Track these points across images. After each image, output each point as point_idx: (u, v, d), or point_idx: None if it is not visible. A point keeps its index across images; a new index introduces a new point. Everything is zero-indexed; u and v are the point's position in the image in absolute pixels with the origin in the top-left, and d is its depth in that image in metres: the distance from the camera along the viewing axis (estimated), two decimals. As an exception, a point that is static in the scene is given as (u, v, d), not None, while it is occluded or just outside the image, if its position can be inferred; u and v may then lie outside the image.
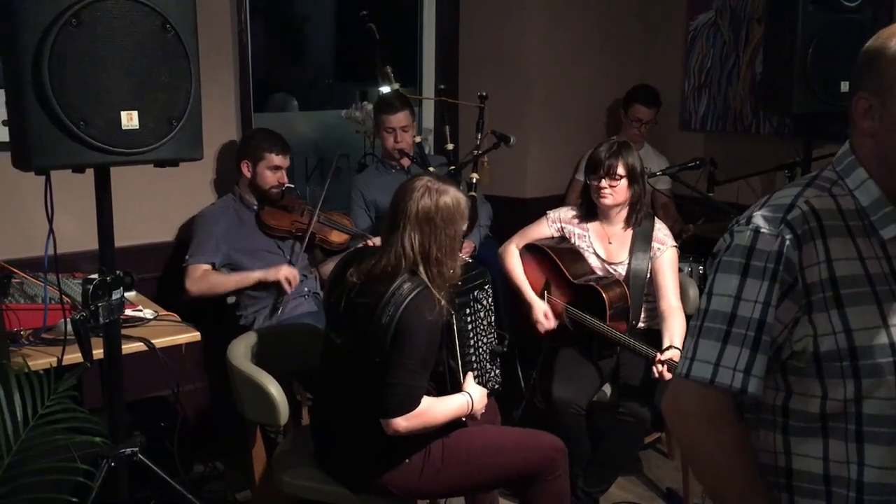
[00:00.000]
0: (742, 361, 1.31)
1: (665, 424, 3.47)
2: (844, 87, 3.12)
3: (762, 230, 1.33)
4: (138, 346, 2.47)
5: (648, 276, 3.06)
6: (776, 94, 3.19)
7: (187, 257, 3.21)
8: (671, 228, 4.05)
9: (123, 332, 2.32)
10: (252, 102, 3.69)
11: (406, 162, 3.65)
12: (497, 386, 2.63)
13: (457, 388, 2.40)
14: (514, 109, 4.22)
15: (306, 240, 3.32)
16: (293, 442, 2.61)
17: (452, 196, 2.25)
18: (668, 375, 2.71)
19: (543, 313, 3.12)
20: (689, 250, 3.88)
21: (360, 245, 3.31)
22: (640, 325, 3.10)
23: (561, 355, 3.09)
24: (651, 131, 4.28)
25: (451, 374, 2.37)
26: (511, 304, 3.34)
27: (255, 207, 3.36)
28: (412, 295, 2.15)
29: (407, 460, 2.30)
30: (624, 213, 3.11)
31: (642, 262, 3.05)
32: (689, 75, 4.36)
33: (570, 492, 2.54)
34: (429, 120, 4.47)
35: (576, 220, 3.19)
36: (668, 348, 2.78)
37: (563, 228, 3.21)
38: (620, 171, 3.00)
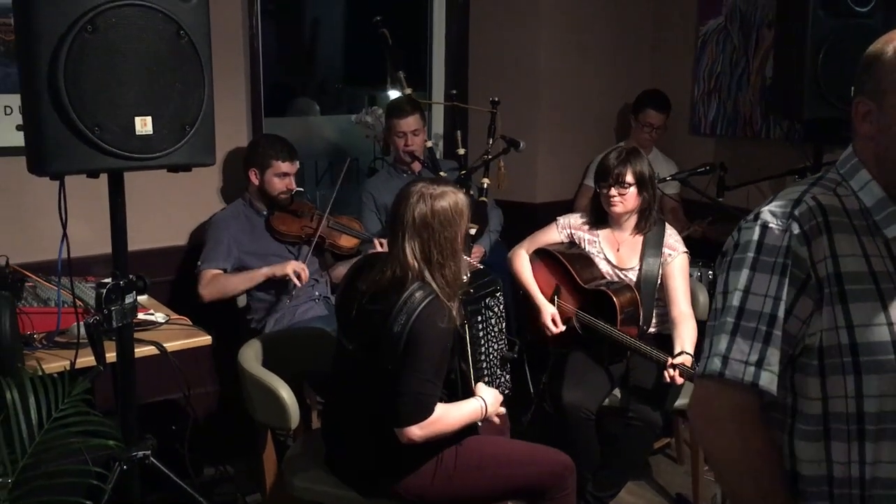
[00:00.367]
0: (754, 354, 1.31)
1: (673, 429, 3.49)
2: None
3: (770, 225, 1.34)
4: (150, 350, 2.49)
5: (659, 281, 3.06)
6: (786, 99, 3.19)
7: (199, 263, 3.23)
8: (680, 233, 4.07)
9: (135, 335, 2.33)
10: (263, 107, 3.70)
11: (417, 166, 3.66)
12: (507, 391, 2.64)
13: (468, 394, 2.40)
14: (524, 114, 4.23)
15: (314, 243, 3.33)
16: (304, 446, 2.62)
17: (449, 198, 2.25)
18: (679, 380, 2.71)
19: (551, 317, 3.12)
20: (699, 255, 3.88)
21: (371, 250, 3.33)
22: (651, 329, 3.10)
23: (571, 360, 3.09)
24: (660, 136, 4.28)
25: (464, 381, 2.37)
26: (520, 308, 3.34)
27: (265, 213, 3.38)
28: (424, 304, 2.16)
29: (419, 465, 2.31)
30: (634, 219, 3.11)
31: (653, 267, 3.05)
32: (698, 80, 4.36)
33: None
34: (439, 125, 4.48)
35: (586, 227, 3.19)
36: (679, 354, 2.78)
37: (572, 234, 3.21)
38: (629, 178, 3.00)
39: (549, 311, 3.13)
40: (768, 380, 1.31)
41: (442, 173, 3.51)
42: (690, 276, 3.52)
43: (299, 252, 3.40)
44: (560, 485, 2.42)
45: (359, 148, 4.57)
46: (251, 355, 2.63)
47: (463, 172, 3.45)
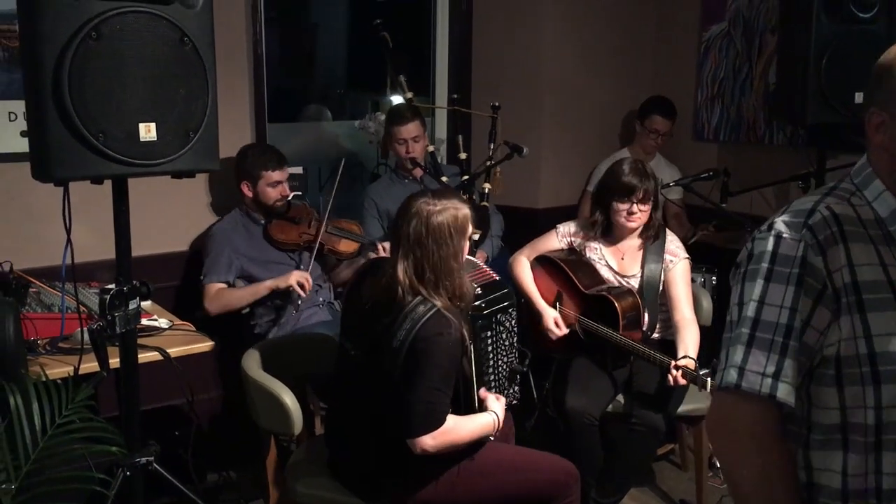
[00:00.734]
0: (770, 366, 1.30)
1: (677, 435, 3.48)
2: (858, 97, 3.12)
3: (784, 235, 1.33)
4: (153, 356, 2.49)
5: (661, 287, 3.05)
6: (790, 104, 3.19)
7: (202, 277, 3.23)
8: (682, 238, 4.06)
9: (139, 341, 2.34)
10: (266, 113, 3.71)
11: (418, 172, 3.66)
12: (515, 402, 2.63)
13: (470, 409, 2.39)
14: (527, 119, 4.23)
15: (315, 251, 3.32)
16: (307, 451, 2.62)
17: (447, 214, 2.23)
18: (682, 381, 2.71)
19: (554, 321, 3.12)
20: (702, 260, 3.88)
21: (372, 253, 3.33)
22: (655, 335, 3.09)
23: (574, 365, 3.08)
24: (665, 142, 4.28)
25: (466, 395, 2.36)
26: (523, 314, 3.34)
27: (262, 222, 3.37)
28: (425, 318, 2.15)
29: (422, 472, 2.30)
30: (639, 229, 3.09)
31: (655, 274, 3.04)
32: (701, 85, 4.36)
33: None
34: (442, 129, 4.49)
35: (587, 236, 3.17)
36: (682, 358, 2.77)
37: (572, 243, 3.20)
38: (650, 194, 2.97)
39: (551, 315, 3.13)
40: (786, 391, 1.30)
41: (444, 178, 3.51)
42: (693, 281, 3.52)
43: (300, 258, 3.41)
44: (564, 493, 2.41)
45: (363, 153, 4.57)
46: (254, 361, 2.63)
47: (466, 178, 3.45)
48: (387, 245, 3.27)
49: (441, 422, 2.18)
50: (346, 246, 3.48)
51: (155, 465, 2.25)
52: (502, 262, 3.52)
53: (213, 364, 3.50)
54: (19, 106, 2.83)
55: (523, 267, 3.23)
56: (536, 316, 3.17)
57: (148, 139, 1.96)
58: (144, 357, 2.42)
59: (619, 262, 3.11)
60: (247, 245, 3.31)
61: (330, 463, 2.45)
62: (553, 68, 4.29)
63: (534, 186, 4.34)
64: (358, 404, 2.36)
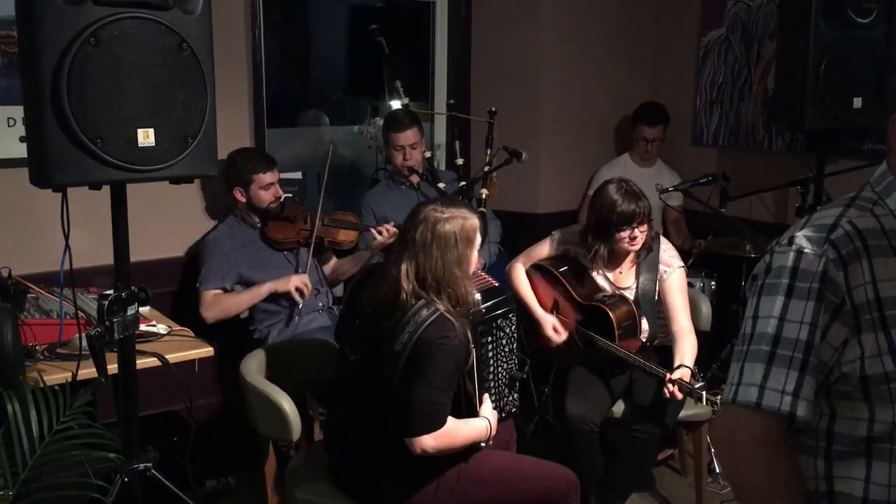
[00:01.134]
0: (790, 384, 1.28)
1: (677, 440, 3.48)
2: (857, 102, 3.12)
3: (805, 250, 1.30)
4: (152, 362, 2.48)
5: (657, 297, 3.03)
6: (788, 109, 3.19)
7: (198, 284, 3.22)
8: (682, 244, 4.06)
9: (137, 347, 2.33)
10: (266, 118, 3.71)
11: (416, 179, 3.65)
12: (514, 409, 2.62)
13: (472, 412, 2.39)
14: (526, 125, 4.23)
15: (312, 245, 3.33)
16: (306, 457, 2.61)
17: (455, 223, 2.24)
18: (679, 395, 2.70)
19: (552, 327, 3.11)
20: (702, 265, 3.88)
21: (372, 239, 3.32)
22: (654, 342, 3.09)
23: (573, 372, 3.08)
24: (659, 148, 4.28)
25: (468, 399, 2.36)
26: (521, 322, 3.33)
27: (258, 226, 3.37)
28: (428, 322, 2.15)
29: (422, 478, 2.30)
30: None
31: (650, 284, 3.02)
32: (700, 91, 4.36)
33: None
34: (440, 135, 4.49)
35: (582, 250, 3.11)
36: (678, 367, 2.77)
37: (567, 251, 3.18)
38: (647, 213, 2.92)
39: (549, 321, 3.12)
40: (805, 409, 1.28)
41: (441, 185, 3.51)
42: (692, 286, 3.51)
43: (298, 257, 3.40)
44: (563, 501, 2.41)
45: (362, 158, 4.57)
46: (253, 366, 2.63)
47: (463, 184, 3.45)
48: (384, 227, 3.28)
49: (442, 423, 2.18)
50: (345, 236, 3.48)
51: (153, 471, 2.24)
52: (500, 269, 3.51)
53: (212, 369, 3.50)
54: (18, 111, 2.83)
55: (520, 275, 3.22)
56: (535, 323, 3.16)
57: (146, 145, 1.96)
58: (143, 363, 2.41)
59: (615, 275, 3.09)
60: (243, 251, 3.30)
61: (330, 468, 2.45)
62: (552, 73, 4.29)
63: (533, 192, 4.34)
64: (358, 408, 2.35)
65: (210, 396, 3.58)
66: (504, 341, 2.53)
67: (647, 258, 3.04)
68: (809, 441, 1.37)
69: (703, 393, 2.60)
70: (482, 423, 2.35)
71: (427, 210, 2.27)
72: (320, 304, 3.40)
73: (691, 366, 2.77)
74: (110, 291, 2.14)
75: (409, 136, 3.58)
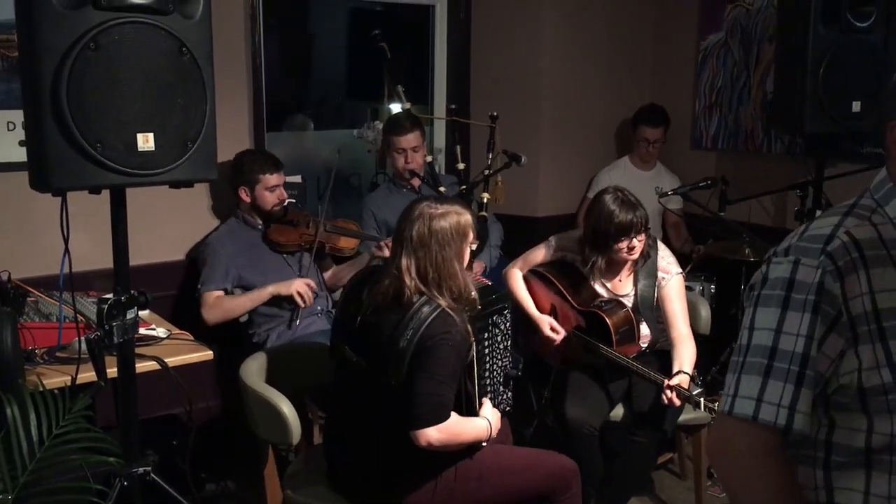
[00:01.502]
0: (787, 397, 1.27)
1: (676, 444, 3.48)
2: (856, 106, 3.13)
3: (802, 261, 1.29)
4: (151, 365, 2.48)
5: (655, 303, 3.03)
6: (787, 113, 3.19)
7: (199, 286, 3.22)
8: (682, 248, 4.06)
9: (137, 350, 2.33)
10: (266, 122, 3.71)
11: (417, 182, 3.66)
12: (508, 408, 2.63)
13: (472, 411, 2.40)
14: (526, 128, 4.24)
15: (314, 250, 3.33)
16: (305, 461, 2.62)
17: (451, 219, 2.28)
18: (677, 402, 2.70)
19: (549, 326, 3.10)
20: (700, 269, 3.88)
21: (374, 247, 3.34)
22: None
23: (573, 376, 3.07)
24: (660, 150, 4.29)
25: (468, 397, 2.37)
26: (521, 326, 3.33)
27: (261, 227, 3.38)
28: (431, 318, 2.18)
29: (420, 478, 2.30)
30: None
31: (648, 291, 3.01)
32: (699, 94, 4.37)
33: None
34: (440, 139, 4.49)
35: (579, 256, 3.10)
36: (676, 373, 2.76)
37: (564, 257, 3.18)
38: (645, 221, 2.91)
39: (546, 321, 3.10)
40: (802, 422, 1.28)
41: (442, 188, 3.51)
42: (691, 289, 3.51)
43: (300, 261, 3.41)
44: (564, 489, 2.42)
45: (362, 162, 4.57)
46: (253, 370, 2.63)
47: (463, 188, 3.45)
48: (386, 243, 3.28)
49: (447, 415, 2.20)
50: (347, 243, 3.49)
51: (153, 475, 2.24)
52: (501, 272, 3.52)
53: (211, 373, 3.49)
54: (18, 115, 2.82)
55: (517, 279, 3.22)
56: (533, 326, 3.16)
57: (146, 149, 1.96)
58: (142, 367, 2.41)
59: (613, 283, 3.08)
60: (244, 253, 3.31)
61: (328, 471, 2.45)
62: (552, 77, 4.29)
63: (533, 195, 4.34)
64: (358, 410, 2.36)
65: (209, 400, 3.58)
66: (499, 338, 2.55)
67: (645, 265, 3.03)
68: (809, 451, 1.36)
69: (702, 399, 2.60)
70: (483, 422, 2.37)
71: (422, 206, 2.30)
72: (319, 307, 3.40)
73: (690, 372, 2.77)
74: (110, 295, 2.14)
75: (410, 139, 3.59)
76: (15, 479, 1.93)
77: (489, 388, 2.51)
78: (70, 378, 2.29)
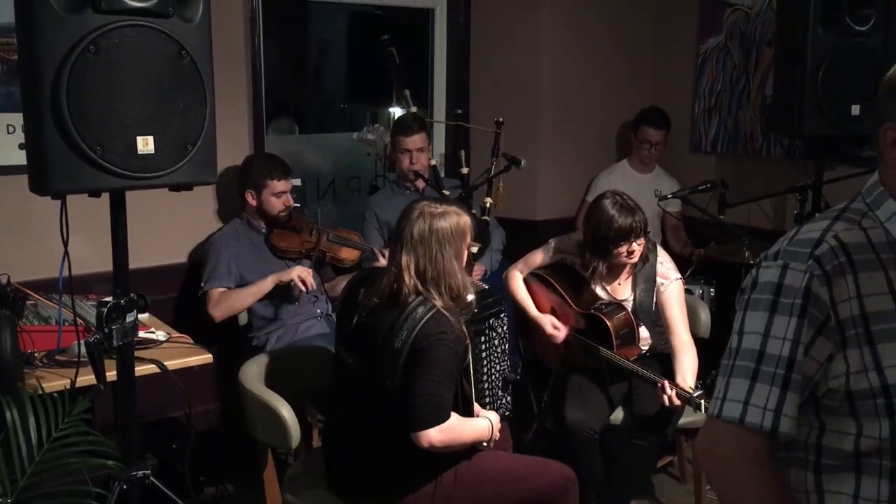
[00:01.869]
0: (772, 400, 1.28)
1: (676, 447, 3.47)
2: (855, 109, 3.13)
3: (790, 266, 1.30)
4: (151, 369, 2.48)
5: (654, 307, 3.03)
6: (787, 116, 3.20)
7: (202, 284, 3.23)
8: (681, 251, 4.06)
9: (136, 354, 2.33)
10: (265, 125, 3.72)
11: (421, 184, 3.67)
12: (507, 412, 2.63)
13: (469, 414, 2.39)
14: (526, 131, 4.24)
15: (314, 258, 3.34)
16: (304, 464, 2.61)
17: (450, 219, 2.29)
18: (676, 401, 2.70)
19: (551, 324, 3.09)
20: (701, 272, 3.88)
21: (374, 262, 3.34)
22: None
23: (572, 379, 3.07)
24: (661, 153, 4.29)
25: (465, 399, 2.36)
26: (522, 327, 3.33)
27: (264, 231, 3.38)
28: (426, 318, 2.18)
29: (419, 483, 2.30)
30: None
31: (647, 297, 3.01)
32: (699, 98, 4.37)
33: None
34: (440, 143, 4.49)
35: (579, 259, 3.10)
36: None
37: (564, 259, 3.18)
38: (644, 225, 2.91)
39: (548, 321, 3.10)
40: (788, 425, 1.28)
41: (445, 192, 3.52)
42: (691, 293, 3.51)
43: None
44: (562, 497, 2.41)
45: (361, 165, 4.57)
46: (252, 374, 2.63)
47: (463, 192, 3.45)
48: (387, 252, 3.28)
49: (447, 415, 2.19)
50: (348, 254, 3.49)
51: (152, 478, 2.24)
52: (501, 277, 3.52)
53: (210, 377, 3.49)
54: (17, 119, 2.83)
55: (518, 282, 3.22)
56: (534, 327, 3.16)
57: (146, 152, 1.96)
58: (141, 370, 2.41)
59: (612, 287, 3.07)
60: (247, 253, 3.31)
61: (327, 474, 2.44)
62: (551, 80, 4.30)
63: (532, 198, 4.34)
64: (356, 412, 2.36)
65: (209, 403, 3.58)
66: (496, 342, 2.55)
67: (644, 269, 3.03)
68: (800, 454, 1.37)
69: (702, 402, 2.60)
70: (484, 422, 2.36)
71: (422, 206, 2.31)
72: (319, 310, 3.40)
73: (692, 384, 2.75)
74: (109, 298, 2.14)
75: (416, 140, 3.61)
76: (14, 482, 1.93)
77: (488, 393, 2.51)
78: (69, 381, 2.29)
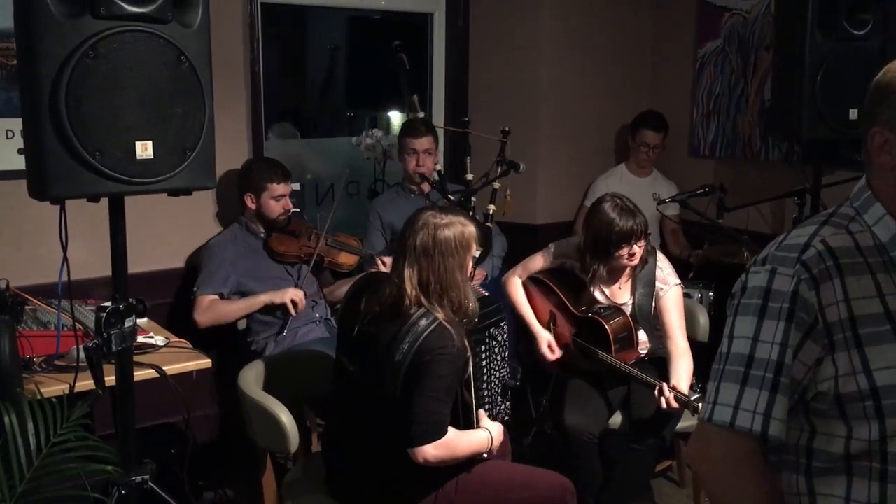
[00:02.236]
0: (762, 404, 1.29)
1: (675, 451, 3.47)
2: (853, 114, 3.13)
3: (778, 271, 1.31)
4: (150, 373, 2.48)
5: (653, 312, 3.03)
6: (785, 120, 3.20)
7: (195, 289, 3.22)
8: (680, 254, 4.06)
9: (135, 358, 2.33)
10: (264, 130, 3.72)
11: (426, 187, 3.67)
12: (506, 418, 2.63)
13: (470, 424, 2.39)
14: (524, 135, 4.23)
15: (312, 262, 3.34)
16: (303, 469, 2.61)
17: (455, 229, 2.26)
18: (674, 404, 2.70)
19: (548, 344, 3.10)
20: (699, 276, 3.88)
21: (373, 268, 3.34)
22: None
23: (571, 383, 3.07)
24: (658, 156, 4.29)
25: (465, 410, 2.36)
26: (520, 333, 3.33)
27: (263, 235, 3.38)
28: (428, 331, 2.16)
29: (419, 491, 2.29)
30: None
31: (646, 301, 3.01)
32: (697, 102, 4.38)
33: None
34: (440, 149, 4.48)
35: (578, 263, 3.10)
36: (672, 388, 2.76)
37: (564, 264, 3.18)
38: (645, 228, 2.91)
39: (544, 339, 3.11)
40: (777, 428, 1.29)
41: (451, 197, 3.52)
42: (689, 296, 3.51)
43: (299, 272, 3.41)
44: None
45: (361, 170, 4.58)
46: (251, 378, 2.63)
47: (462, 197, 3.45)
48: (387, 259, 3.28)
49: (443, 432, 2.19)
50: (346, 259, 3.49)
51: (151, 483, 2.23)
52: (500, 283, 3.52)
53: (209, 381, 3.49)
54: (16, 124, 2.82)
55: (517, 287, 3.22)
56: (531, 337, 3.15)
57: (144, 157, 1.96)
58: (140, 375, 2.41)
59: (611, 290, 3.08)
60: (244, 259, 3.31)
61: (327, 479, 2.44)
62: (550, 83, 4.30)
63: (531, 203, 4.34)
64: (356, 419, 2.35)
65: (208, 408, 3.57)
66: (496, 350, 2.54)
67: (643, 273, 3.03)
68: (791, 458, 1.37)
69: (699, 405, 2.60)
70: (483, 434, 2.35)
71: (426, 216, 2.28)
72: (318, 315, 3.40)
73: (686, 390, 2.76)
74: (108, 303, 2.13)
75: (424, 142, 3.62)
76: (13, 487, 1.92)
77: (487, 400, 2.50)
78: (68, 386, 2.29)
